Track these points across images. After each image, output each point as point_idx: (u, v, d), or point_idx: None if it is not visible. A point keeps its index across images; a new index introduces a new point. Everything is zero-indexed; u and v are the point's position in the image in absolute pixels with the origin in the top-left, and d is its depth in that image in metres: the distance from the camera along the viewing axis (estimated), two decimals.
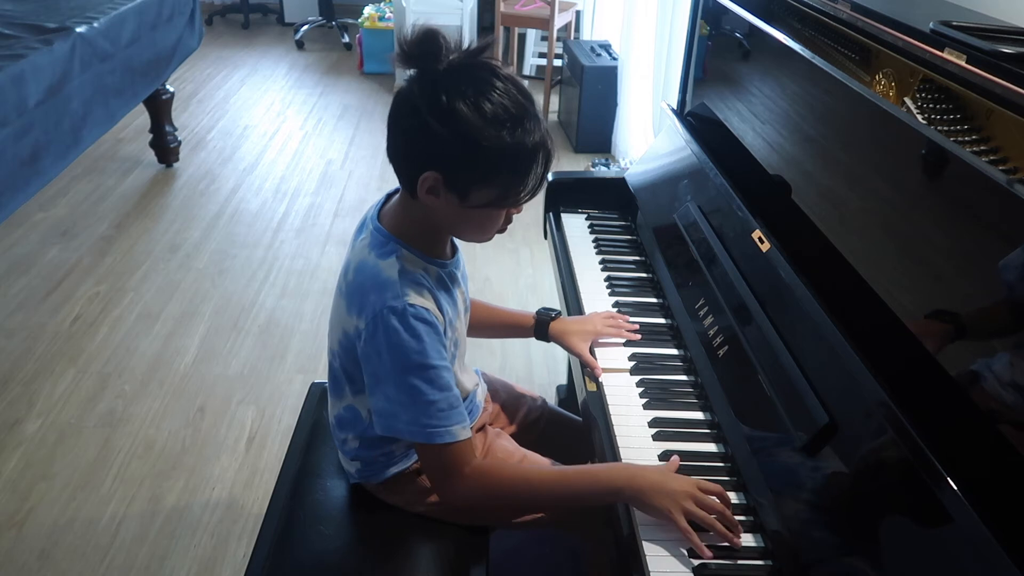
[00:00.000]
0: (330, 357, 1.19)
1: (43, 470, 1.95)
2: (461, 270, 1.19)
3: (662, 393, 1.24)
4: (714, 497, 1.01)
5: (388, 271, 1.05)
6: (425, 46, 0.99)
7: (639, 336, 1.36)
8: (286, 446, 1.38)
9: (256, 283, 2.78)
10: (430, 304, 1.06)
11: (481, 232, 1.10)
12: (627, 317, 1.40)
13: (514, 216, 1.11)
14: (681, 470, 1.08)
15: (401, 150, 1.04)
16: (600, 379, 1.26)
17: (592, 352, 1.32)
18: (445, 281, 1.12)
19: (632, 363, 1.30)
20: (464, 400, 1.26)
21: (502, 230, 1.11)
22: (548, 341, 1.38)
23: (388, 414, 1.07)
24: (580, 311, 1.45)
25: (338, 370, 1.17)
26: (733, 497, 1.04)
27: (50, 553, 1.74)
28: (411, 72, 1.01)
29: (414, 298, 1.04)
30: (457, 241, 1.19)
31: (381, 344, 1.04)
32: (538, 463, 1.29)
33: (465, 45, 1.01)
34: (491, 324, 1.41)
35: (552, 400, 1.71)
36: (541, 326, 1.38)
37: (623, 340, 1.35)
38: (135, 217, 3.18)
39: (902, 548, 0.82)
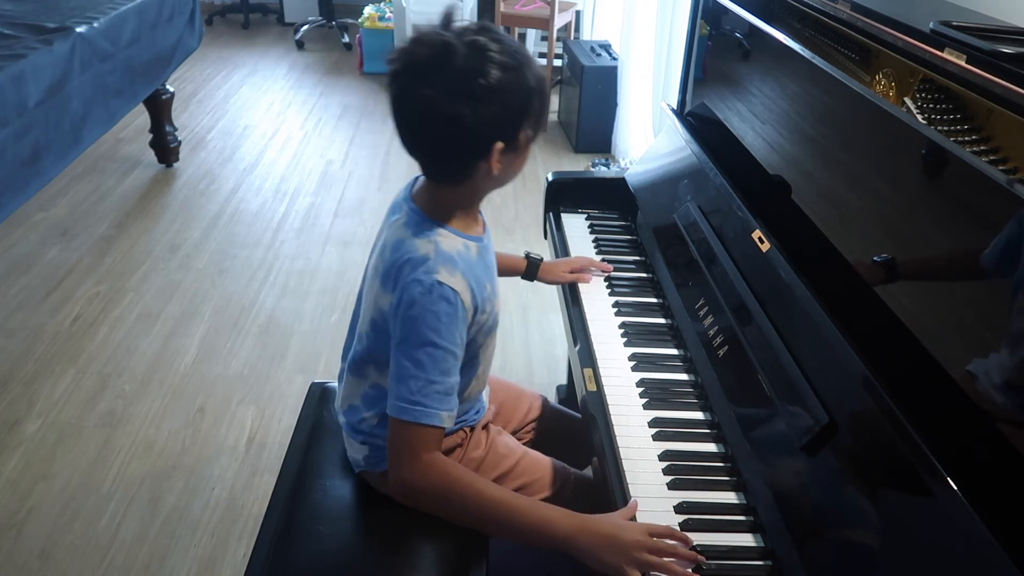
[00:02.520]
0: (354, 341, 1.20)
1: (43, 470, 1.95)
2: (490, 245, 1.22)
3: (662, 393, 1.24)
4: (667, 540, 0.97)
5: (423, 248, 1.07)
6: (441, 58, 1.00)
7: (609, 269, 1.55)
8: (286, 446, 1.38)
9: (256, 283, 2.78)
10: (459, 285, 1.07)
11: (519, 171, 1.14)
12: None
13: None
14: (681, 470, 1.08)
15: (453, 149, 1.05)
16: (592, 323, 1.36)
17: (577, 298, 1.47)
18: (482, 256, 1.14)
19: (632, 363, 1.30)
20: (471, 399, 1.26)
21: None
22: (533, 280, 1.55)
23: (391, 387, 1.08)
24: (580, 311, 1.45)
25: (363, 352, 1.18)
26: (733, 497, 1.05)
27: (50, 553, 1.74)
28: (404, 78, 1.03)
29: (444, 276, 1.05)
30: None
31: (401, 314, 1.06)
32: (538, 461, 1.29)
33: (445, 22, 1.04)
34: None
35: (552, 400, 1.71)
36: (532, 268, 1.53)
37: (607, 292, 1.48)
38: (135, 217, 3.18)
39: (902, 548, 0.82)
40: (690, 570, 0.95)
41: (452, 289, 1.05)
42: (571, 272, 1.53)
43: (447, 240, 1.09)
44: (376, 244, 1.20)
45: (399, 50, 1.04)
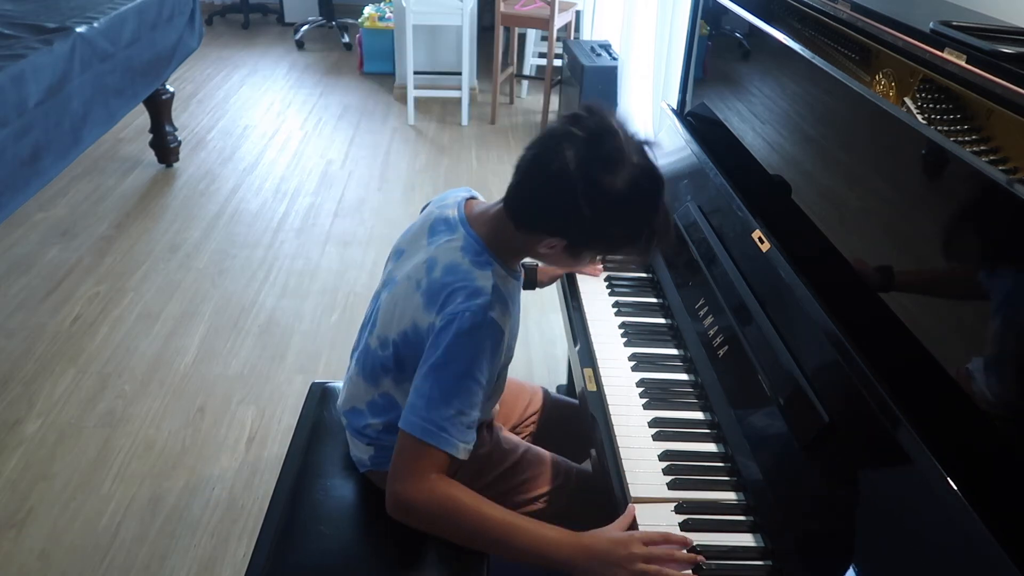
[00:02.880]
0: (375, 344, 1.18)
1: (43, 470, 1.95)
2: None
3: (662, 393, 1.24)
4: (661, 546, 0.98)
5: (482, 281, 1.08)
6: (606, 134, 1.01)
7: (600, 269, 1.50)
8: (286, 446, 1.38)
9: (256, 283, 2.78)
10: (507, 326, 1.09)
11: (571, 269, 1.22)
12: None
13: None
14: (681, 470, 1.08)
15: (537, 204, 1.06)
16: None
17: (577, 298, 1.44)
18: (516, 295, 1.16)
19: (632, 363, 1.30)
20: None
21: None
22: (534, 288, 1.50)
23: (411, 404, 1.07)
24: (580, 311, 1.45)
25: (386, 358, 1.16)
26: (733, 497, 1.05)
27: (50, 553, 1.74)
28: (570, 133, 1.02)
29: (498, 315, 1.07)
30: None
31: (446, 339, 1.05)
32: (540, 457, 1.30)
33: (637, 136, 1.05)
34: None
35: (552, 391, 1.71)
36: (530, 276, 1.48)
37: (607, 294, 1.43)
38: (135, 217, 3.18)
39: (902, 547, 0.82)
40: (690, 571, 0.95)
41: (502, 330, 1.07)
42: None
43: (503, 279, 1.10)
44: (408, 251, 1.19)
45: (582, 107, 1.05)
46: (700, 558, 0.96)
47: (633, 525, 1.02)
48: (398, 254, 1.22)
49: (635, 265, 1.17)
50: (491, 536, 1.06)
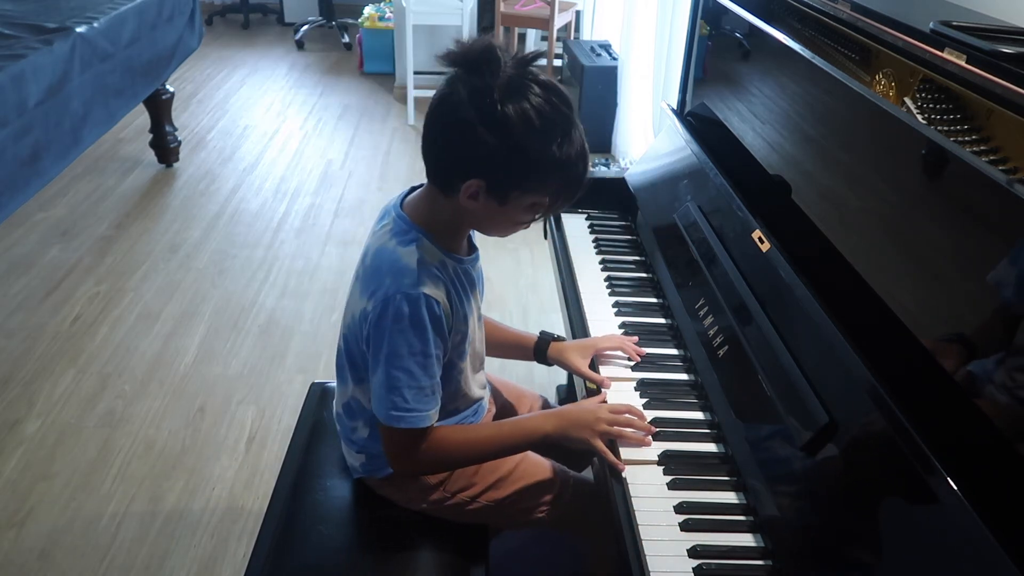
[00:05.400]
0: (341, 343, 1.21)
1: (43, 470, 1.94)
2: (478, 271, 1.21)
3: (662, 393, 1.24)
4: (624, 414, 1.14)
5: (407, 258, 1.07)
6: (485, 60, 0.99)
7: (642, 354, 1.31)
8: (286, 446, 1.38)
9: (256, 283, 2.78)
10: (441, 297, 1.08)
11: (506, 230, 1.13)
12: (635, 339, 1.35)
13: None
14: (681, 470, 1.08)
15: (445, 154, 1.05)
16: (606, 389, 1.25)
17: (595, 369, 1.30)
18: (461, 278, 1.14)
19: (632, 362, 1.30)
20: (472, 405, 1.26)
21: (526, 226, 1.13)
22: (549, 364, 1.36)
23: (381, 398, 1.09)
24: (580, 311, 1.45)
25: (344, 357, 1.19)
26: (733, 497, 1.05)
27: (50, 553, 1.74)
28: (453, 75, 1.01)
29: (429, 289, 1.06)
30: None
31: (387, 327, 1.06)
32: (537, 464, 1.29)
33: (519, 53, 1.03)
34: (494, 342, 1.40)
35: (552, 400, 1.71)
36: (542, 346, 1.36)
37: (627, 357, 1.31)
38: (135, 217, 3.18)
39: (902, 548, 0.82)
40: (645, 436, 1.12)
41: (436, 301, 1.06)
42: (596, 350, 1.32)
43: (428, 251, 1.09)
44: (363, 250, 1.19)
45: (485, 45, 1.01)
46: (648, 440, 1.12)
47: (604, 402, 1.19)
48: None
49: (568, 205, 1.11)
50: (489, 452, 1.20)
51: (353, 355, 1.17)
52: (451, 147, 1.04)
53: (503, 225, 1.11)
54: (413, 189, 1.16)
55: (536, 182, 1.04)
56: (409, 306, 1.04)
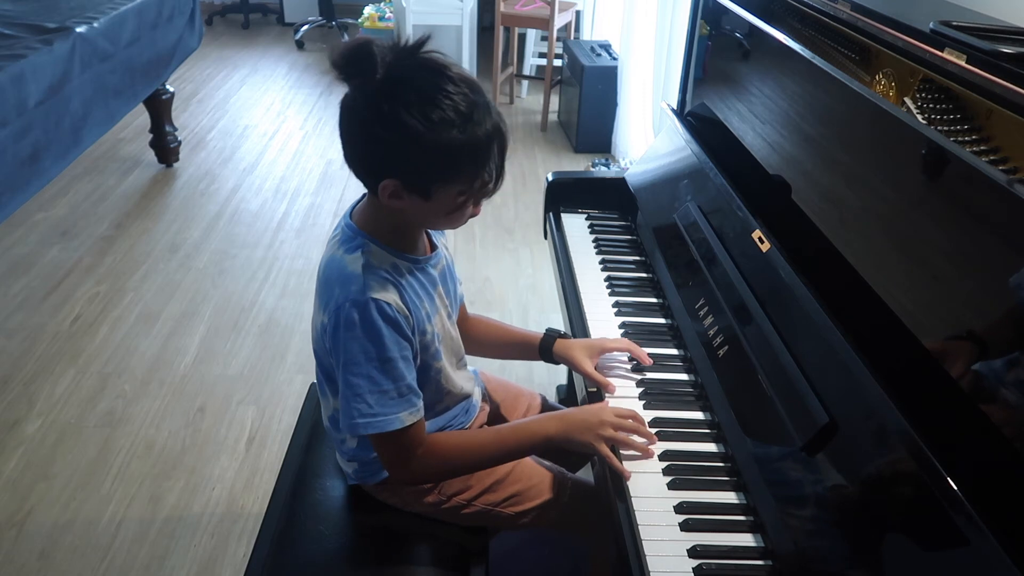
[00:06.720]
0: (315, 359, 1.19)
1: (43, 470, 1.95)
2: (442, 269, 1.18)
3: (662, 393, 1.24)
4: (629, 420, 1.13)
5: (352, 265, 1.06)
6: (358, 59, 0.98)
7: (650, 361, 1.30)
8: (286, 446, 1.38)
9: (256, 283, 2.78)
10: (393, 299, 1.05)
11: (452, 222, 1.10)
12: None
13: (483, 201, 1.09)
14: (681, 470, 1.08)
15: (355, 159, 1.04)
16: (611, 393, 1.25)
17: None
18: (418, 277, 1.12)
19: (632, 362, 1.30)
20: (461, 402, 1.26)
21: (475, 213, 1.09)
22: (555, 363, 1.34)
23: (345, 409, 1.07)
24: (580, 311, 1.45)
25: (320, 372, 1.17)
26: (733, 497, 1.05)
27: (50, 553, 1.74)
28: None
29: (377, 292, 1.04)
30: (449, 239, 1.18)
31: (341, 337, 1.04)
32: (535, 466, 1.29)
33: (402, 43, 1.00)
34: (499, 343, 1.39)
35: (552, 398, 1.71)
36: (547, 344, 1.34)
37: (630, 357, 1.31)
38: (135, 217, 3.18)
39: (902, 548, 0.82)
40: (648, 445, 1.11)
41: (386, 303, 1.04)
42: (603, 350, 1.31)
43: (376, 255, 1.07)
44: None
45: (355, 45, 1.01)
46: (651, 451, 1.11)
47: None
48: None
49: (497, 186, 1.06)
50: (490, 457, 1.18)
51: (327, 369, 1.14)
52: (358, 151, 1.03)
53: (442, 219, 1.08)
54: (363, 196, 1.15)
55: (450, 170, 1.00)
56: (359, 312, 1.03)
